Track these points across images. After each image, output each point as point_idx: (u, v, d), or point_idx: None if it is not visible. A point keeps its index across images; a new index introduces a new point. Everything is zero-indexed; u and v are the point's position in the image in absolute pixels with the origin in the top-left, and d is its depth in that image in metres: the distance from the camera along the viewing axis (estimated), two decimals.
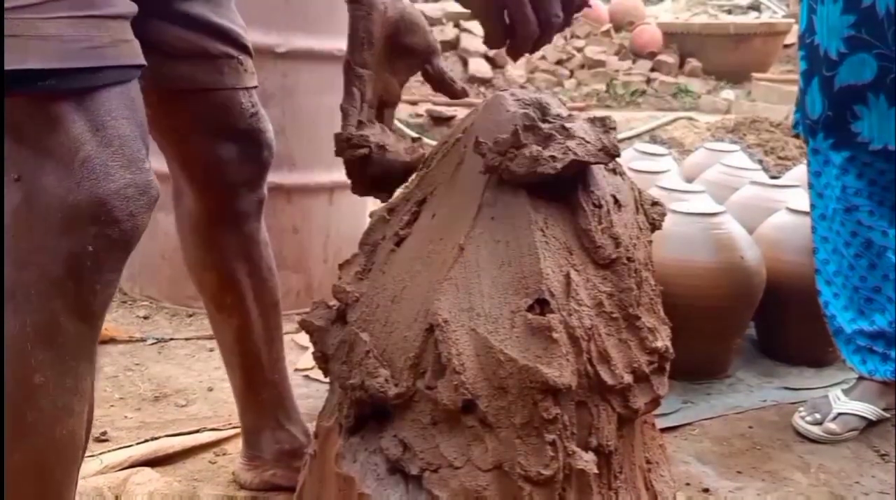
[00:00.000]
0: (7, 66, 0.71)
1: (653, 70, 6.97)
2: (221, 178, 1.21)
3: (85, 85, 0.76)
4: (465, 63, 6.47)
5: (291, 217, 2.21)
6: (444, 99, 5.80)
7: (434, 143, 1.08)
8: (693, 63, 7.04)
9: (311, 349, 1.00)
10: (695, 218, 1.92)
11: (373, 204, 2.80)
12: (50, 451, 0.82)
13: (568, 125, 0.90)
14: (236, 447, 1.51)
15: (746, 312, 1.97)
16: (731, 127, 4.48)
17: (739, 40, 7.02)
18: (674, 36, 7.21)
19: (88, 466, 1.37)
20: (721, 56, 6.94)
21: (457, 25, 6.69)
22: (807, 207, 1.86)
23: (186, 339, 2.08)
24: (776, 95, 5.72)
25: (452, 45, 6.59)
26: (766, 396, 1.90)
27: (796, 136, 1.81)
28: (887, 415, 1.74)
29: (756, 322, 2.10)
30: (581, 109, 5.37)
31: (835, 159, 1.69)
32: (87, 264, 0.77)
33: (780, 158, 4.01)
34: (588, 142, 0.89)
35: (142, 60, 0.82)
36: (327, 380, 1.02)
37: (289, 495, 1.33)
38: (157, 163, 0.95)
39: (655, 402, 0.94)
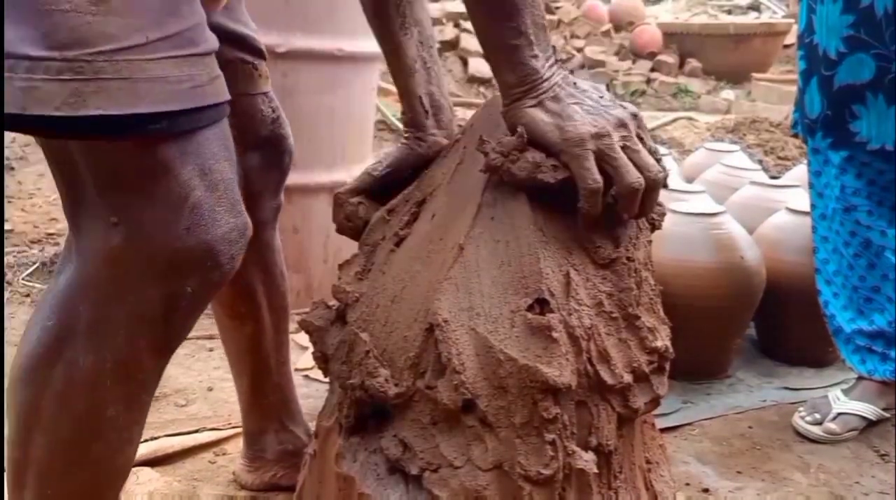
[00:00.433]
0: (118, 111, 0.68)
1: (653, 70, 6.97)
2: (245, 187, 1.17)
3: (192, 126, 0.75)
4: (464, 63, 6.47)
5: (291, 217, 2.21)
6: None
7: None
8: (693, 63, 7.04)
9: (311, 349, 1.01)
10: (695, 218, 1.92)
11: None
12: (106, 478, 0.83)
13: None
14: (236, 446, 1.51)
15: (746, 312, 1.97)
16: (730, 127, 4.48)
17: (739, 40, 7.02)
18: (674, 36, 7.22)
19: None
20: (721, 56, 6.94)
21: (457, 25, 6.69)
22: (807, 208, 1.86)
23: (186, 339, 2.07)
24: (776, 95, 5.72)
25: (452, 45, 6.59)
26: (766, 396, 1.90)
27: (795, 135, 1.81)
28: (887, 415, 1.74)
29: (756, 322, 2.10)
30: None
31: (833, 159, 1.69)
32: (181, 305, 0.78)
33: (779, 158, 4.01)
34: None
35: (228, 96, 0.81)
36: (327, 380, 1.02)
37: (289, 495, 1.33)
38: None
39: (655, 402, 0.94)
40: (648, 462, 1.01)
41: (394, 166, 1.06)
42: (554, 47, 0.88)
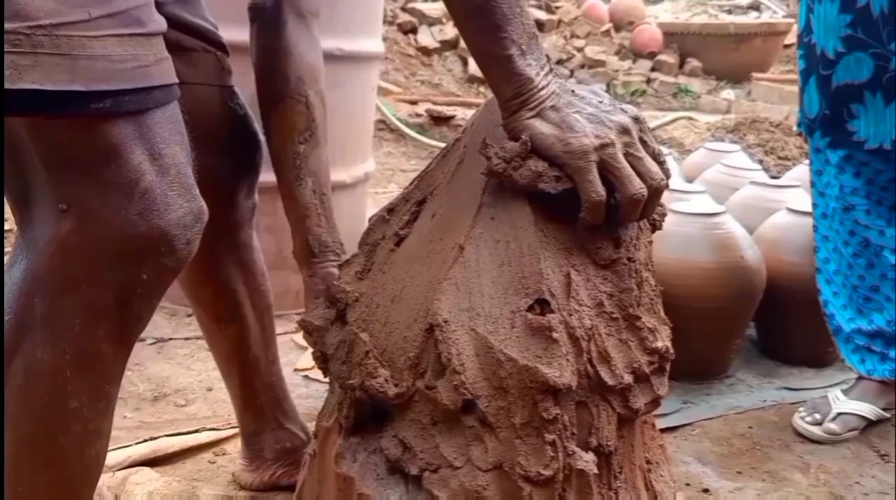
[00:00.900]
0: (53, 87, 0.67)
1: (653, 70, 6.97)
2: (217, 187, 1.17)
3: (139, 107, 0.73)
4: (464, 62, 6.47)
5: None
6: (444, 98, 5.79)
7: (433, 142, 1.08)
8: (693, 63, 7.04)
9: (311, 349, 1.00)
10: (695, 218, 1.92)
11: (373, 204, 2.79)
12: (77, 472, 0.83)
13: None
14: (235, 446, 1.51)
15: (746, 312, 1.97)
16: (731, 127, 4.48)
17: (739, 40, 7.03)
18: (674, 36, 7.22)
19: None
20: (721, 56, 6.94)
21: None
22: (807, 207, 1.86)
23: (185, 339, 2.07)
24: (776, 94, 5.73)
25: (452, 44, 6.59)
26: (766, 396, 1.90)
27: (799, 134, 1.81)
28: (887, 415, 1.74)
29: (756, 322, 2.10)
30: None
31: (832, 158, 1.69)
32: (137, 292, 0.76)
33: (780, 158, 4.01)
34: None
35: (177, 78, 0.79)
36: (327, 380, 1.02)
37: (289, 494, 1.33)
38: None
39: (655, 402, 0.93)
40: (649, 463, 1.01)
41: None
42: (548, 56, 0.88)
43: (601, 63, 6.91)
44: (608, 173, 0.84)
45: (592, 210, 0.84)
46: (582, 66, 6.91)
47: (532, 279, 0.86)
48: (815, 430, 1.70)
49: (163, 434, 1.55)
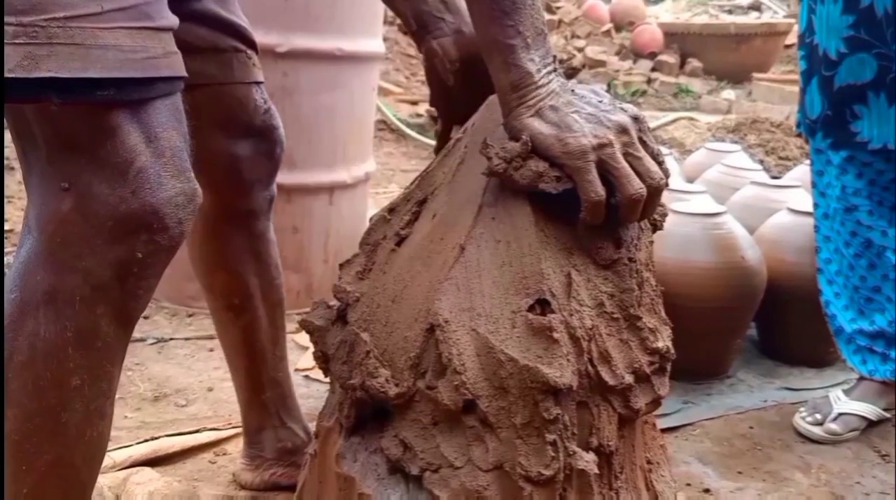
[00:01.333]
0: (68, 75, 0.71)
1: (653, 70, 6.97)
2: (237, 175, 1.21)
3: (141, 96, 0.77)
4: None
5: (291, 217, 2.21)
6: None
7: (433, 142, 1.09)
8: (694, 63, 7.04)
9: (312, 349, 1.00)
10: (695, 218, 1.92)
11: (374, 204, 2.79)
12: (79, 452, 0.84)
13: None
14: (236, 446, 1.51)
15: (747, 312, 1.97)
16: (731, 127, 4.48)
17: (740, 40, 7.03)
18: (674, 36, 7.22)
19: None
20: (722, 56, 6.94)
21: None
22: (808, 208, 1.86)
23: (186, 339, 2.07)
24: (777, 95, 5.73)
25: None
26: (767, 396, 1.90)
27: (799, 135, 1.81)
28: (888, 415, 1.74)
29: (756, 322, 2.10)
30: None
31: (834, 159, 1.69)
32: (133, 270, 0.79)
33: (780, 158, 4.01)
34: None
35: (185, 72, 0.83)
36: (327, 380, 1.02)
37: (289, 494, 1.33)
38: None
39: (656, 402, 0.93)
40: (649, 463, 1.01)
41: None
42: (555, 56, 0.89)
43: (602, 63, 6.91)
44: (607, 173, 0.84)
45: (592, 210, 0.84)
46: (582, 66, 6.91)
47: (533, 279, 0.86)
48: (816, 430, 1.70)
49: (163, 434, 1.55)
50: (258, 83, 1.21)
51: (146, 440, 1.52)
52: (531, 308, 0.85)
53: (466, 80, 1.05)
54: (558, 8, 7.79)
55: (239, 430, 1.54)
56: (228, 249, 1.26)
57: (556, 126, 0.85)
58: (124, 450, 1.46)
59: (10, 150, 3.47)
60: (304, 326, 1.00)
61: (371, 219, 1.04)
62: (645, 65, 7.03)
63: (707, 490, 1.50)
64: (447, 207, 0.95)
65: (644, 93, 6.55)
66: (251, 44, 1.19)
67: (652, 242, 0.99)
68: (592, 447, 0.88)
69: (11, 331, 0.80)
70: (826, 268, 1.77)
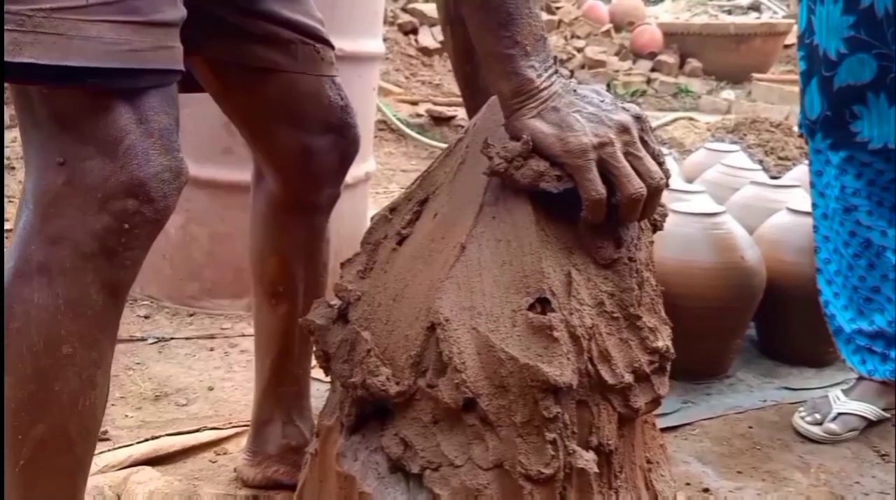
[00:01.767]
0: (48, 62, 0.76)
1: (653, 70, 6.97)
2: (308, 168, 1.22)
3: (129, 85, 0.82)
4: None
5: None
6: (444, 99, 5.78)
7: (434, 142, 1.09)
8: (693, 63, 7.04)
9: (313, 348, 1.01)
10: (695, 218, 1.92)
11: (374, 204, 2.79)
12: (73, 422, 0.86)
13: None
14: (237, 445, 1.51)
15: (746, 312, 1.97)
16: (731, 127, 4.48)
17: (740, 40, 7.03)
18: (674, 36, 7.22)
19: None
20: (721, 56, 6.94)
21: None
22: (807, 208, 1.86)
23: (187, 338, 2.08)
24: (776, 95, 5.73)
25: None
26: (767, 396, 1.90)
27: (801, 136, 1.81)
28: (887, 415, 1.74)
29: (756, 322, 2.10)
30: None
31: (833, 159, 1.69)
32: (121, 241, 0.83)
33: (780, 158, 4.01)
34: None
35: (181, 66, 0.87)
36: (328, 379, 1.02)
37: (290, 493, 1.33)
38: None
39: (656, 402, 0.94)
40: (649, 462, 1.01)
41: None
42: (555, 58, 0.89)
43: (601, 63, 6.91)
44: (607, 172, 0.85)
45: (593, 209, 0.85)
46: (582, 67, 6.91)
47: (533, 278, 0.86)
48: (816, 430, 1.70)
49: (164, 434, 1.55)
50: (332, 78, 1.22)
51: (147, 440, 1.52)
52: (531, 307, 0.86)
53: None
54: (558, 8, 7.79)
55: (239, 429, 1.54)
56: (286, 237, 1.29)
57: (557, 126, 0.85)
58: (125, 449, 1.46)
59: (10, 150, 3.47)
60: (306, 324, 1.00)
61: (372, 218, 1.05)
62: (644, 65, 7.03)
63: (706, 490, 1.50)
64: (448, 206, 0.95)
65: (643, 93, 6.55)
66: (319, 39, 1.20)
67: (652, 242, 0.99)
68: (592, 445, 0.88)
69: (9, 298, 0.84)
70: (825, 268, 1.77)
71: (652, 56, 7.08)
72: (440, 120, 4.95)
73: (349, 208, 2.35)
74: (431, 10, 6.71)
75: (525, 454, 0.84)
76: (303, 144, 1.20)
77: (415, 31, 6.64)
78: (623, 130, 0.86)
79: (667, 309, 0.98)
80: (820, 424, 1.71)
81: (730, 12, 8.69)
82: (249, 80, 1.16)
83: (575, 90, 0.89)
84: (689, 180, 2.55)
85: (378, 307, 0.93)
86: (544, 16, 7.43)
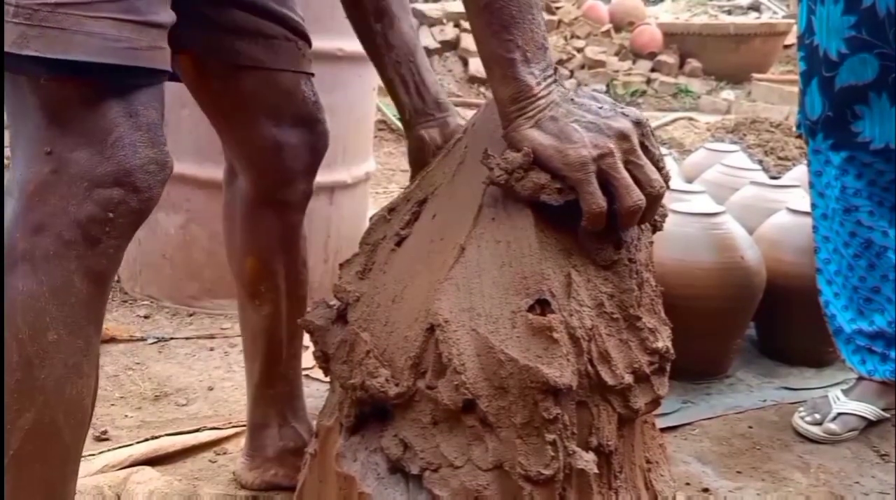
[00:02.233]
0: (51, 55, 0.79)
1: (653, 70, 6.97)
2: (280, 163, 1.23)
3: (123, 82, 0.84)
4: (465, 63, 6.48)
5: None
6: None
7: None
8: (693, 63, 7.04)
9: (312, 349, 1.01)
10: (695, 218, 1.92)
11: (374, 204, 2.80)
12: (60, 410, 0.87)
13: None
14: (237, 446, 1.51)
15: (746, 312, 1.97)
16: (731, 127, 4.48)
17: (739, 41, 7.03)
18: (674, 36, 7.22)
19: (89, 464, 1.37)
20: (721, 56, 6.94)
21: (457, 25, 6.69)
22: (807, 208, 1.86)
23: (187, 338, 2.08)
24: (776, 95, 5.73)
25: (453, 45, 6.59)
26: (766, 396, 1.90)
27: (799, 136, 1.81)
28: (887, 415, 1.74)
29: (756, 322, 2.10)
30: None
31: (834, 160, 1.69)
32: (104, 229, 0.84)
33: (780, 158, 4.01)
34: None
35: (169, 67, 0.88)
36: (327, 379, 1.02)
37: (289, 494, 1.33)
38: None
39: (656, 402, 0.94)
40: (649, 462, 1.01)
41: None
42: (556, 68, 0.89)
43: (601, 63, 6.91)
44: (607, 183, 0.85)
45: (593, 220, 0.86)
46: (582, 67, 6.92)
47: (533, 280, 0.86)
48: (815, 430, 1.70)
49: (164, 434, 1.55)
50: (308, 75, 1.23)
51: (146, 440, 1.52)
52: (531, 308, 0.86)
53: None
54: (558, 8, 7.78)
55: (239, 429, 1.54)
56: (260, 234, 1.29)
57: (556, 137, 0.85)
58: (124, 449, 1.46)
59: (10, 149, 3.47)
60: (305, 325, 1.00)
61: (371, 219, 1.05)
62: (644, 65, 7.03)
63: (706, 490, 1.50)
64: (447, 207, 0.95)
65: (643, 93, 6.56)
66: (302, 36, 1.21)
67: (652, 243, 0.99)
68: (592, 446, 0.88)
69: None
70: (825, 268, 1.77)
71: (652, 56, 7.08)
72: None
73: (349, 208, 2.35)
74: (431, 10, 6.71)
75: (525, 454, 0.84)
76: (274, 138, 1.21)
77: None
78: (622, 137, 0.86)
79: (667, 309, 0.98)
80: (820, 424, 1.71)
81: (730, 12, 8.69)
82: (229, 74, 1.17)
83: (573, 98, 0.89)
84: (689, 180, 2.55)
85: (377, 308, 0.93)
86: (544, 16, 7.41)
